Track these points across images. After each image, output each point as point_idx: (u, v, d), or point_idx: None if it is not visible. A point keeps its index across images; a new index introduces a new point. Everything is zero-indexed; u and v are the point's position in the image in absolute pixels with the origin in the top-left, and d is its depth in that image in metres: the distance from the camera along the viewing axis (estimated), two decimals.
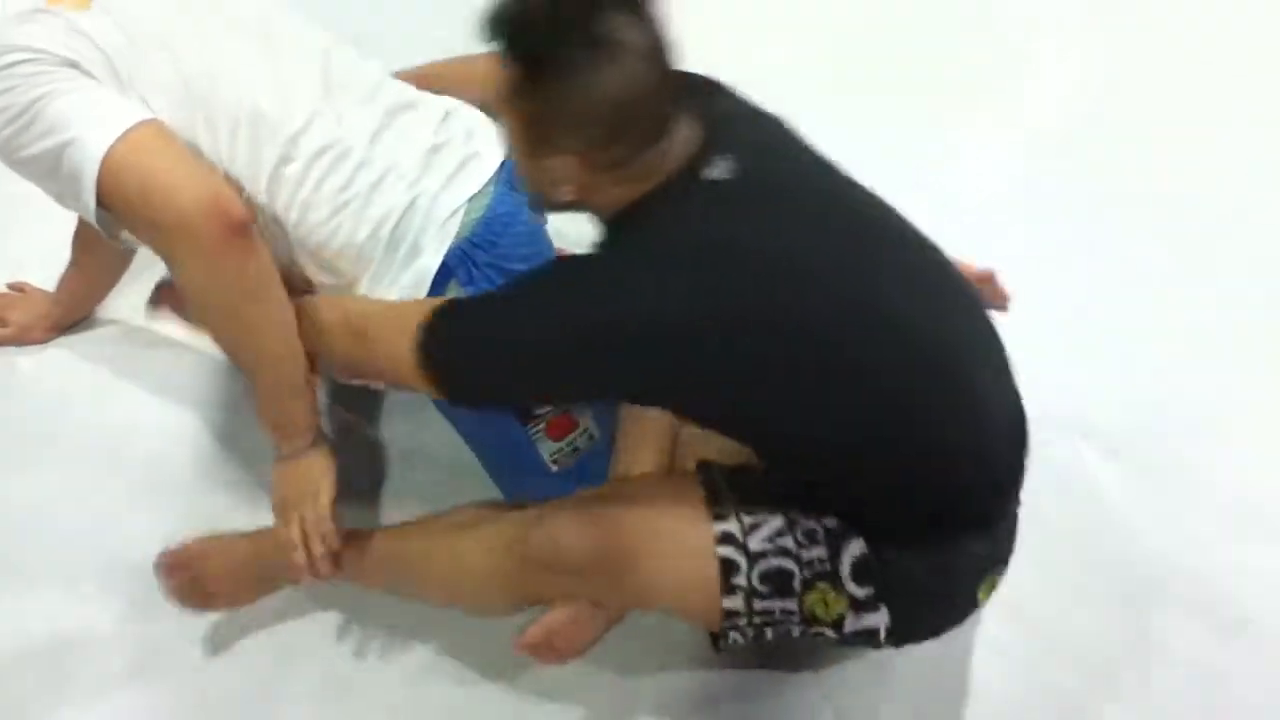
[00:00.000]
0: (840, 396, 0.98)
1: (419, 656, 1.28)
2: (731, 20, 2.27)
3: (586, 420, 1.28)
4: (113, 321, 1.64)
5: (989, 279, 1.24)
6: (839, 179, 1.08)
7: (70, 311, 1.61)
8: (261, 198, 1.18)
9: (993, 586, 1.09)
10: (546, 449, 1.27)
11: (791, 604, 1.04)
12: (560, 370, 1.01)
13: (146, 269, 1.48)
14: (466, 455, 1.35)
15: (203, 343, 1.26)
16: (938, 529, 1.03)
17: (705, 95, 1.08)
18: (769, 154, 1.06)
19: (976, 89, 2.15)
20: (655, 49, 0.95)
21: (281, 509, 1.20)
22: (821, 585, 1.03)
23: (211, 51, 1.19)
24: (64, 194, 1.13)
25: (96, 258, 1.53)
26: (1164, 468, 1.50)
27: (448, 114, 1.28)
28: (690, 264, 0.96)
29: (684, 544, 1.06)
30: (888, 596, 1.03)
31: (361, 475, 1.43)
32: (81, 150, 1.08)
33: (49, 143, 1.09)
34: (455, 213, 1.21)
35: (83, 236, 1.49)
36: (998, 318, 1.10)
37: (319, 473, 1.20)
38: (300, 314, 1.17)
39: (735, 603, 1.05)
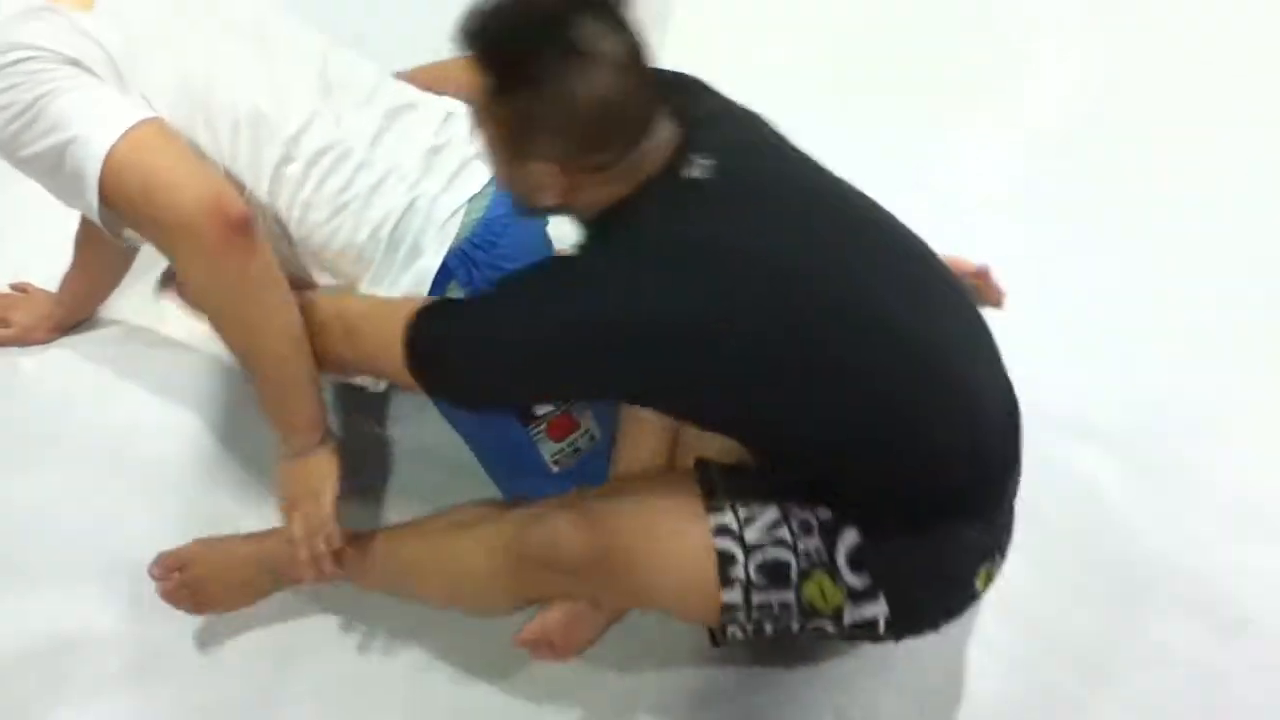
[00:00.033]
0: (825, 395, 0.98)
1: (419, 657, 1.28)
2: (731, 20, 2.27)
3: (588, 421, 1.28)
4: (115, 322, 1.64)
5: (984, 275, 1.23)
6: (823, 177, 1.07)
7: (73, 312, 1.61)
8: (264, 197, 1.19)
9: (990, 576, 1.09)
10: (548, 450, 1.27)
11: (789, 595, 1.04)
12: (541, 368, 1.02)
13: (148, 269, 1.48)
14: (466, 455, 1.35)
15: (206, 335, 1.25)
16: (932, 519, 1.03)
17: (685, 94, 1.08)
18: (751, 152, 1.06)
19: (976, 89, 2.14)
20: (630, 53, 0.94)
21: (286, 506, 1.20)
22: (818, 574, 1.03)
23: (208, 54, 1.19)
24: (67, 192, 1.13)
25: (99, 258, 1.53)
26: (1164, 468, 1.49)
27: (449, 115, 1.28)
28: (670, 263, 0.96)
29: (682, 543, 1.06)
30: (885, 586, 1.03)
31: (363, 475, 1.43)
32: (84, 148, 1.08)
33: (51, 140, 1.09)
34: (455, 214, 1.21)
35: (85, 236, 1.50)
36: (997, 317, 1.10)
37: (323, 471, 1.20)
38: None
39: (733, 595, 1.05)
